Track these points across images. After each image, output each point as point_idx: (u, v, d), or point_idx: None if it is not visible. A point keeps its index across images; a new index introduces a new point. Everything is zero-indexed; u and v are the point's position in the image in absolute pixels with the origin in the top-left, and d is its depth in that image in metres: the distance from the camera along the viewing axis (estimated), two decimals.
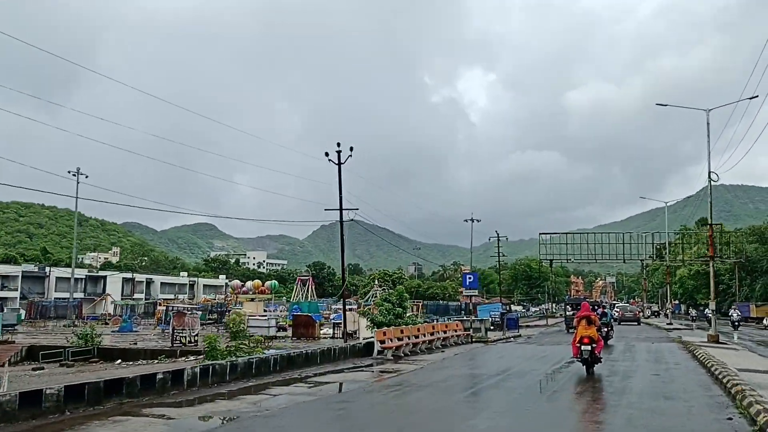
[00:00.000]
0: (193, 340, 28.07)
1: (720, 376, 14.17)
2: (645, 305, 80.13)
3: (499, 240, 75.07)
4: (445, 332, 28.59)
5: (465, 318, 35.96)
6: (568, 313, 41.62)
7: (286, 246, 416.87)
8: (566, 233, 76.64)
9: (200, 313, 38.71)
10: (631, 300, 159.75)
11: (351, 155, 27.58)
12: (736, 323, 49.62)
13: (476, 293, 28.34)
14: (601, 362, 16.12)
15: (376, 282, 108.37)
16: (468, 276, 29.36)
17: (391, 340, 22.23)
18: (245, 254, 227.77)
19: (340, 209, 28.66)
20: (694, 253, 79.33)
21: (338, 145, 27.64)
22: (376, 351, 21.58)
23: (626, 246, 75.76)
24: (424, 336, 25.28)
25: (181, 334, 28.41)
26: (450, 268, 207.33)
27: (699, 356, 19.79)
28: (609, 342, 26.27)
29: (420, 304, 71.11)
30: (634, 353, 23.32)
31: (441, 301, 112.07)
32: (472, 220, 79.33)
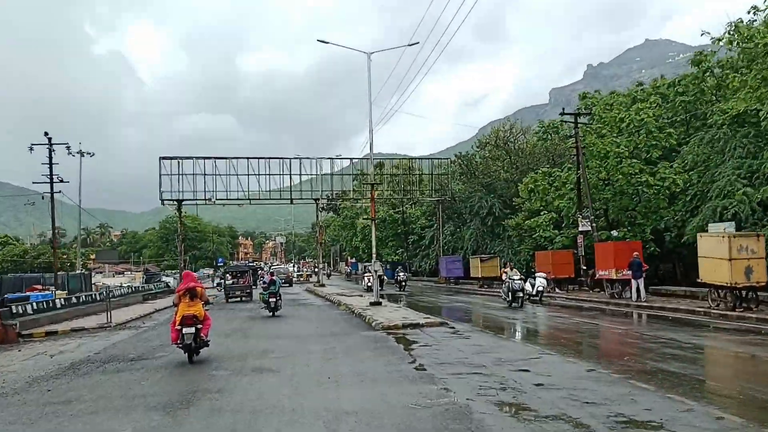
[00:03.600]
0: None
1: None
2: (321, 265, 54.43)
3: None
4: None
5: None
6: (227, 282, 35.22)
7: None
8: (203, 158, 46.90)
9: None
10: (302, 261, 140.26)
11: None
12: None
13: None
14: (208, 346, 12.07)
15: None
16: None
17: None
18: None
19: None
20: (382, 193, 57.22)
21: None
22: None
23: (295, 178, 49.88)
24: None
25: None
26: (96, 232, 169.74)
27: None
28: (278, 313, 21.19)
29: None
30: None
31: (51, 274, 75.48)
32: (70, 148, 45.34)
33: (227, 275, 36.79)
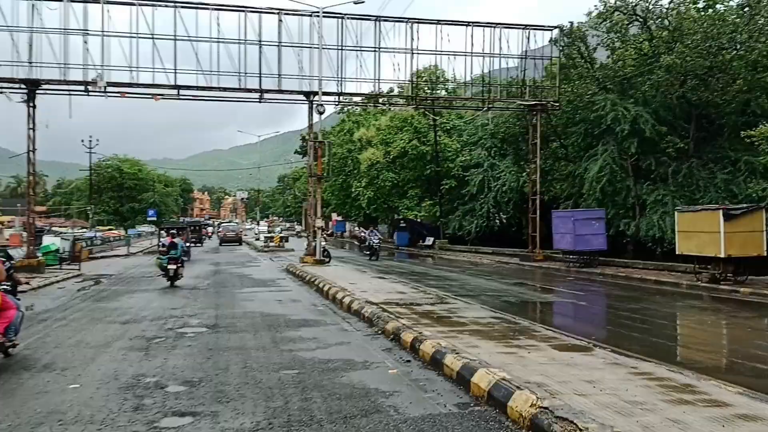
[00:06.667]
0: None
1: None
2: (318, 221, 30.34)
3: None
4: None
5: None
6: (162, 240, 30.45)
7: None
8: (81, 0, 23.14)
9: None
10: (267, 219, 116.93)
11: None
12: None
13: None
14: (15, 347, 7.79)
15: None
16: None
17: None
18: None
19: None
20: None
21: None
22: None
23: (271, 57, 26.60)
24: None
25: None
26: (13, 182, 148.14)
27: None
28: (177, 283, 17.93)
29: None
30: None
31: None
32: None
33: (162, 232, 35.05)
